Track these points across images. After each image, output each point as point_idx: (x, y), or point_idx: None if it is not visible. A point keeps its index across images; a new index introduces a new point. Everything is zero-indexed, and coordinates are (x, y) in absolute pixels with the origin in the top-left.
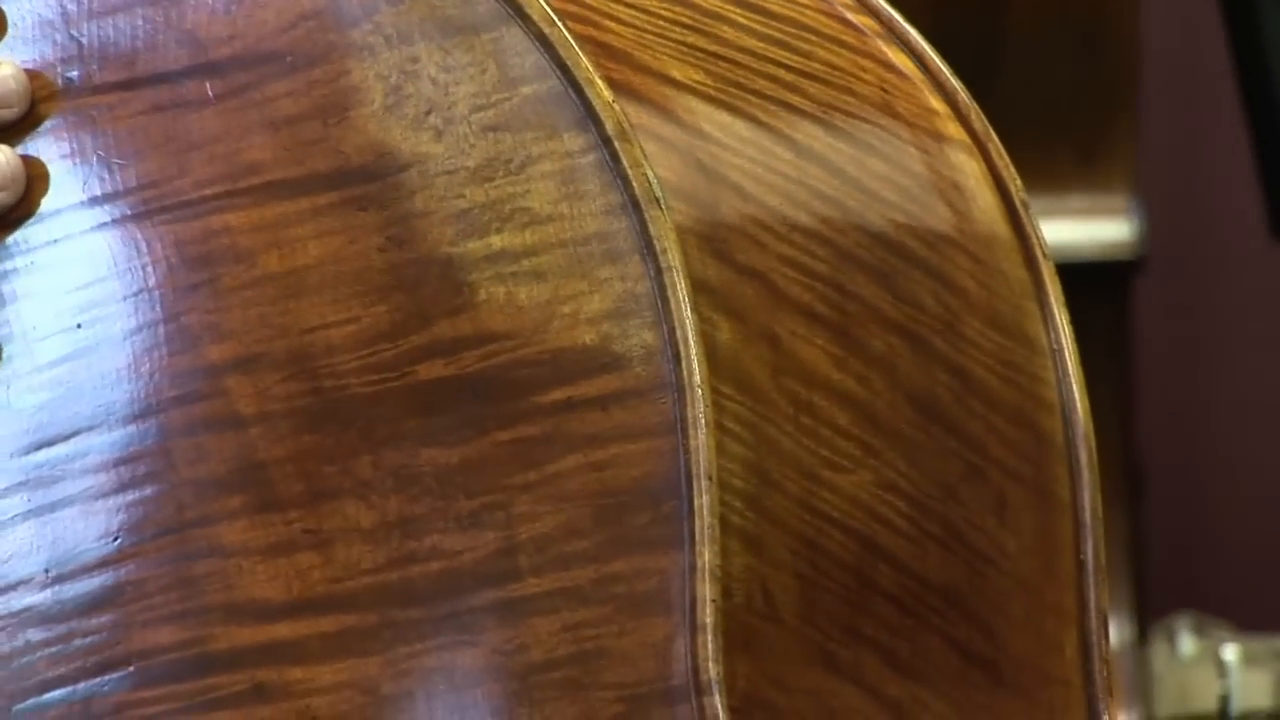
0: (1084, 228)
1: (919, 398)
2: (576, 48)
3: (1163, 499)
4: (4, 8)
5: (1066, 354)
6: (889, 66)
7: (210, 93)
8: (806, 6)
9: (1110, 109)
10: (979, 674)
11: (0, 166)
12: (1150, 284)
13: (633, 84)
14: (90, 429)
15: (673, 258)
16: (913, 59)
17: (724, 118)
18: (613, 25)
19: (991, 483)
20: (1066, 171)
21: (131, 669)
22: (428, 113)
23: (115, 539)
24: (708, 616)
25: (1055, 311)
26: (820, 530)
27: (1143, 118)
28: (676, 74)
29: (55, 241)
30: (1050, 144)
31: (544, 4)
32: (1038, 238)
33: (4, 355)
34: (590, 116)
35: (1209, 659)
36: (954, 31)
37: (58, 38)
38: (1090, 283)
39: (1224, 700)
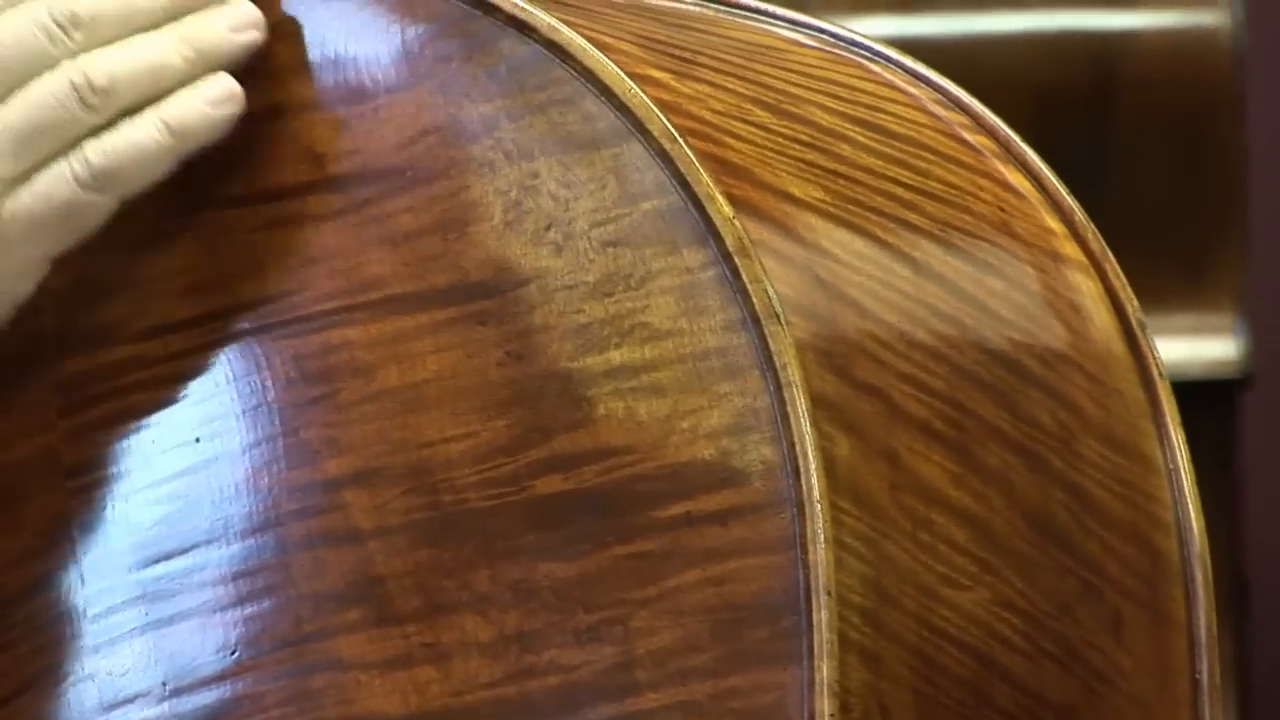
0: (1191, 346)
1: (1036, 515)
2: (697, 163)
3: (1268, 618)
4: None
5: (1183, 473)
6: (1006, 186)
7: (330, 208)
8: (924, 125)
9: (1217, 225)
10: None
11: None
12: (1257, 401)
13: (752, 200)
14: (208, 543)
15: (792, 373)
16: (1030, 178)
17: (843, 234)
18: (733, 142)
19: (1107, 601)
20: (1173, 289)
21: None
22: (547, 228)
23: (233, 652)
24: None
25: (1171, 431)
26: (938, 647)
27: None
28: (796, 191)
29: (175, 356)
30: (1157, 261)
31: (665, 120)
32: (1154, 358)
33: (124, 470)
34: (710, 232)
35: None
36: (1058, 146)
37: None
38: (1197, 401)
39: None
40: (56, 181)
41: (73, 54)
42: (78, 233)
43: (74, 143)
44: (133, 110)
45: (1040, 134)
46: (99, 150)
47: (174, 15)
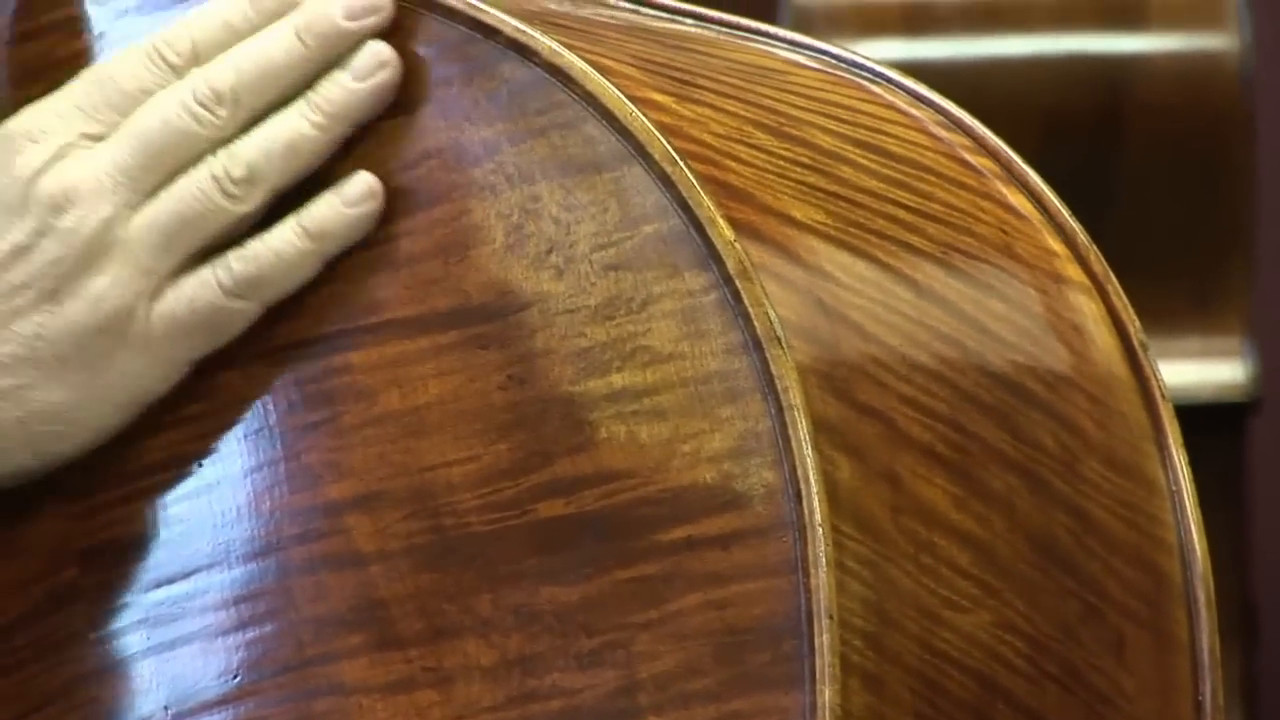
0: (1198, 369)
1: (1038, 538)
2: (698, 187)
3: (1275, 640)
4: None
5: (1185, 495)
6: (1008, 208)
7: None
8: (926, 148)
9: (1225, 248)
10: None
11: (381, 51)
12: (1264, 425)
13: (754, 223)
14: (210, 566)
15: (794, 396)
16: (1032, 200)
17: (844, 257)
18: (734, 165)
19: (1110, 623)
20: (1181, 313)
21: None
22: (549, 251)
23: (235, 676)
24: None
25: (1174, 453)
26: (940, 670)
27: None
28: (797, 214)
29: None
30: (1165, 284)
31: (666, 144)
32: (1156, 379)
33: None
34: (712, 256)
35: None
36: (1066, 169)
37: None
38: (1204, 424)
39: None
40: (201, 288)
41: (220, 132)
42: (220, 337)
43: (221, 233)
44: (281, 186)
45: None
46: (242, 258)
47: (315, 67)
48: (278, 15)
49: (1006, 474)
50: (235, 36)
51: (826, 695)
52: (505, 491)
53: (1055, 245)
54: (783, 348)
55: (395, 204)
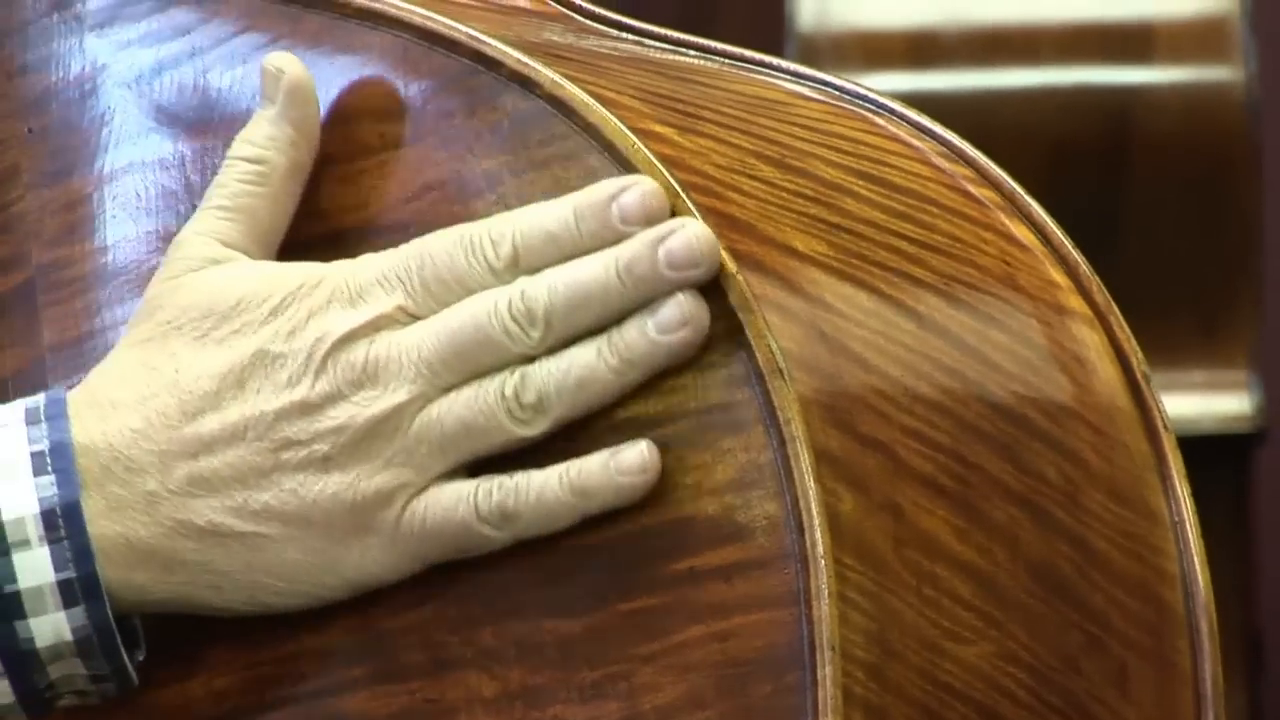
0: (1204, 401)
1: (1040, 569)
2: (700, 219)
3: None
4: (128, 178)
5: (1188, 526)
6: (1010, 239)
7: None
8: (928, 179)
9: (1231, 279)
10: None
11: (688, 307)
12: (1269, 456)
13: (756, 255)
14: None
15: (796, 429)
16: (1034, 231)
17: (846, 289)
18: (736, 197)
19: (1112, 654)
20: (1187, 344)
21: None
22: None
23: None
24: None
25: (1177, 484)
26: (942, 701)
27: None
28: (800, 245)
29: None
30: (1171, 316)
31: (668, 176)
32: (1159, 410)
33: None
34: (714, 287)
35: None
36: (1072, 201)
37: (181, 209)
38: (1210, 456)
39: None
40: (460, 503)
41: (527, 350)
42: (462, 553)
43: (500, 450)
44: (566, 419)
45: (1055, 189)
46: (504, 488)
47: (627, 306)
48: (598, 235)
49: (1008, 505)
50: (556, 249)
51: None
52: None
53: (1057, 276)
54: (785, 379)
55: (397, 237)
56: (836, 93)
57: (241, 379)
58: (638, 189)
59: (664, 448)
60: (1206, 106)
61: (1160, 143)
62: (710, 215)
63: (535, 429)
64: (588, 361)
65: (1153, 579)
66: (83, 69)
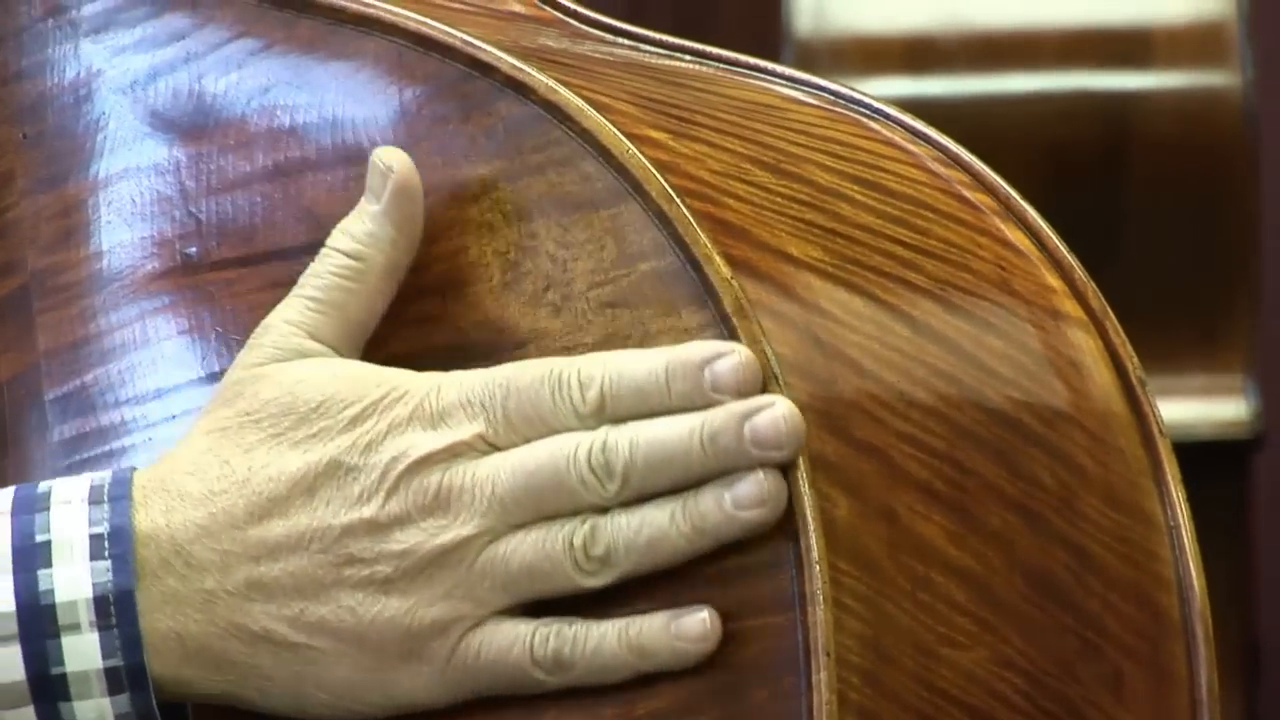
0: (1202, 406)
1: (1036, 575)
2: (695, 224)
3: (1278, 678)
4: (123, 183)
5: (1183, 531)
6: (1006, 244)
7: None
8: (924, 183)
9: (1229, 285)
10: None
11: (768, 487)
12: (1267, 462)
13: (751, 261)
14: None
15: None
16: (1029, 236)
17: (841, 294)
18: (731, 202)
19: (1108, 660)
20: (1185, 349)
21: None
22: (546, 289)
23: None
24: None
25: (1172, 489)
26: (937, 707)
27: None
28: (795, 251)
29: (173, 417)
30: (1169, 321)
31: (663, 181)
32: (1155, 415)
33: None
34: (709, 293)
35: None
36: (1071, 206)
37: (176, 214)
38: (1208, 461)
39: None
40: (515, 644)
41: (601, 502)
42: (512, 691)
43: (561, 595)
44: (631, 575)
45: (1053, 194)
46: (561, 636)
47: (706, 473)
48: (687, 397)
49: (1004, 511)
50: (643, 403)
51: None
52: None
53: (1053, 281)
54: (779, 385)
55: None
56: (832, 97)
57: (313, 487)
58: (734, 358)
59: None
60: (1204, 111)
61: (1158, 148)
62: (705, 220)
63: (599, 581)
64: (660, 524)
65: (1148, 584)
66: (78, 74)
